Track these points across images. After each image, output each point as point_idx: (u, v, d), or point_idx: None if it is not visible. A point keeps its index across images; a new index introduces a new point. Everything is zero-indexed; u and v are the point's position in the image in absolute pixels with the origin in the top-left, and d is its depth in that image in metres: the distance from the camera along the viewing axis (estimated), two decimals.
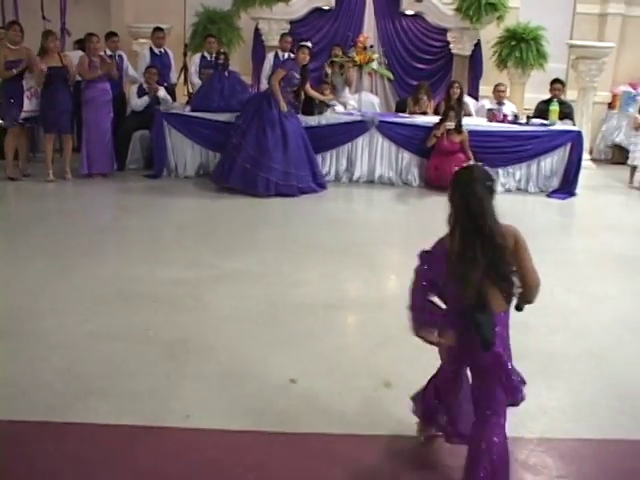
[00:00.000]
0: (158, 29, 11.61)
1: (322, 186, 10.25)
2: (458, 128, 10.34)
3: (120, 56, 11.43)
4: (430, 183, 10.63)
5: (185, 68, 12.37)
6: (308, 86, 10.49)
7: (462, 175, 3.47)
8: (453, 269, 3.39)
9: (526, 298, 3.55)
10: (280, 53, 12.06)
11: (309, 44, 10.77)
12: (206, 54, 11.65)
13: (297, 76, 10.17)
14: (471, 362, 3.56)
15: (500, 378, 3.45)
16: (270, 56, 12.15)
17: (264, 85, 11.88)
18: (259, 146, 9.82)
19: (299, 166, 10.01)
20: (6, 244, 7.66)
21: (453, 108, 10.59)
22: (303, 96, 11.20)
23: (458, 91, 11.45)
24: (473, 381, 3.60)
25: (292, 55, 11.60)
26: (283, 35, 12.27)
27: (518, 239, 3.43)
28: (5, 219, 8.71)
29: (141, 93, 11.05)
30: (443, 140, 10.35)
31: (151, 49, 11.57)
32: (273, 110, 9.99)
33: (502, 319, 3.49)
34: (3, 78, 10.03)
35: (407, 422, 4.15)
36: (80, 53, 10.78)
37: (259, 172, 9.70)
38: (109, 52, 11.16)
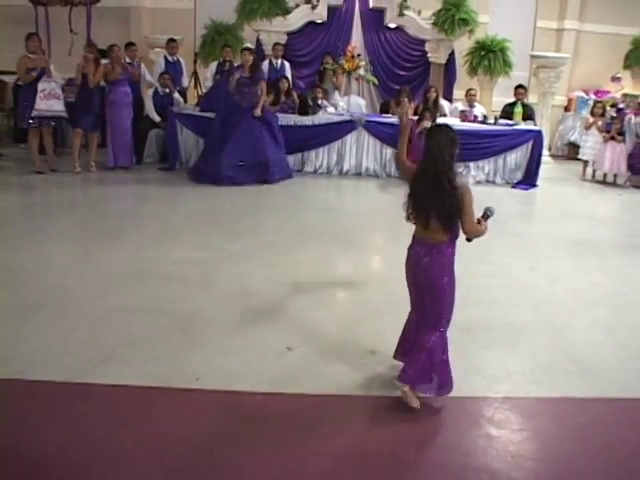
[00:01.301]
0: (172, 40, 11.59)
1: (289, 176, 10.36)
2: None
3: (139, 63, 11.41)
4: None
5: (195, 74, 12.36)
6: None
7: (432, 128, 4.00)
8: (412, 193, 3.94)
9: (467, 237, 3.93)
10: (273, 60, 12.06)
11: (250, 46, 10.99)
12: (222, 61, 11.58)
13: (245, 76, 10.07)
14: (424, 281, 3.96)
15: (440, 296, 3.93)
16: (264, 64, 12.13)
17: None
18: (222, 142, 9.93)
19: (260, 157, 10.00)
20: (38, 229, 7.65)
21: (429, 109, 10.63)
22: (297, 99, 11.23)
23: (434, 94, 11.52)
24: (426, 300, 3.99)
25: (285, 61, 11.92)
26: (275, 44, 12.29)
27: (466, 195, 3.76)
28: (37, 207, 8.69)
29: (157, 98, 11.00)
30: (416, 139, 10.35)
31: (165, 57, 11.55)
32: (237, 111, 10.04)
33: (441, 248, 3.88)
34: (24, 81, 10.02)
35: (390, 385, 4.17)
36: (103, 61, 10.77)
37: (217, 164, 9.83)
38: (128, 60, 11.16)
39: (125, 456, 3.39)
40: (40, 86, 9.83)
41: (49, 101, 9.95)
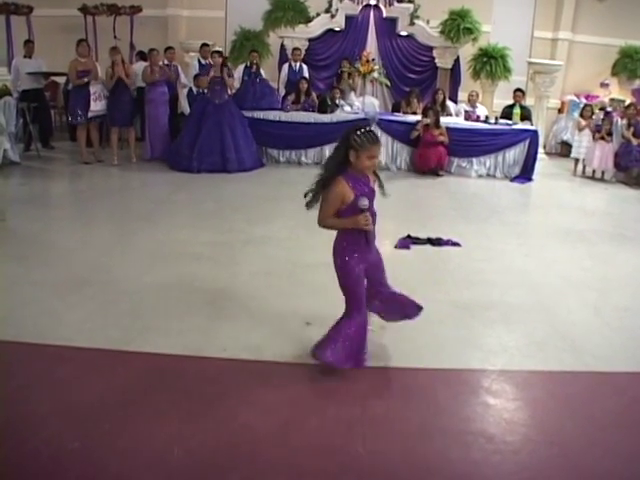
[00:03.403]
0: (205, 44, 11.57)
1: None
2: (437, 124, 10.35)
3: (175, 66, 11.44)
4: (416, 168, 10.67)
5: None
6: (225, 75, 10.27)
7: (349, 128, 3.69)
8: None
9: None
10: (293, 63, 12.04)
11: (220, 49, 11.10)
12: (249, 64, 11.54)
13: (217, 75, 10.08)
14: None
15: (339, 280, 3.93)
16: (285, 66, 12.19)
17: (281, 89, 11.92)
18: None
19: (233, 149, 10.02)
20: (84, 212, 7.72)
21: (432, 108, 10.62)
22: (316, 99, 11.20)
23: (442, 96, 11.52)
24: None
25: (304, 64, 12.02)
26: (294, 49, 12.31)
27: (326, 191, 3.71)
28: (83, 193, 8.75)
29: (191, 97, 10.99)
30: (426, 134, 10.35)
31: (199, 60, 11.53)
32: (209, 105, 10.07)
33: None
34: (75, 85, 10.08)
35: (398, 357, 4.20)
36: (143, 64, 10.82)
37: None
38: (167, 62, 11.21)
39: (161, 414, 3.41)
40: (92, 89, 9.94)
41: (101, 102, 10.07)
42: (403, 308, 4.21)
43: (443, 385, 3.91)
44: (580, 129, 11.49)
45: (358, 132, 3.59)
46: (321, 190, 3.72)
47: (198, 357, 4.08)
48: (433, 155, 10.38)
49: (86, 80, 9.92)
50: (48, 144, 11.52)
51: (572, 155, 11.59)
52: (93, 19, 13.16)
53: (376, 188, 3.93)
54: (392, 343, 4.39)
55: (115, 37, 12.84)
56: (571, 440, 3.40)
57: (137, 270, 5.61)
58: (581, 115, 11.80)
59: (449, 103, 11.95)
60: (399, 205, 8.71)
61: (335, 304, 4.90)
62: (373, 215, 3.81)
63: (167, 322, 4.57)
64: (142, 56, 11.58)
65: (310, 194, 3.75)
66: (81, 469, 2.99)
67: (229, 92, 10.23)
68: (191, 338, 4.33)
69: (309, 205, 3.76)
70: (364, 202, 3.65)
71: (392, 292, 4.18)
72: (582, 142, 11.32)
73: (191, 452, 3.11)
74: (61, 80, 12.14)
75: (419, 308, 4.21)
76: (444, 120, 10.75)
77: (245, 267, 5.80)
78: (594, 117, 11.67)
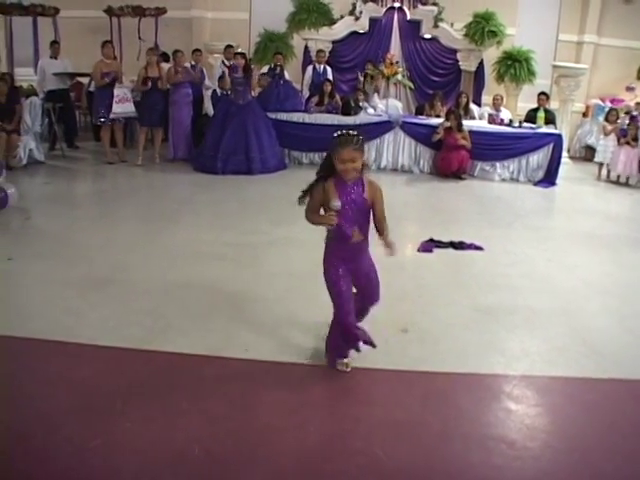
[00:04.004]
0: (229, 46, 11.61)
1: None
2: (459, 128, 10.31)
3: (200, 68, 11.51)
4: (438, 171, 10.63)
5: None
6: (254, 81, 10.39)
7: (339, 134, 3.60)
8: None
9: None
10: (317, 65, 12.06)
11: (242, 50, 11.05)
12: (273, 66, 11.57)
13: (239, 76, 10.06)
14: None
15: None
16: (309, 68, 12.20)
17: (305, 91, 11.94)
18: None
19: (257, 149, 10.02)
20: (107, 211, 7.77)
21: (453, 112, 10.59)
22: (340, 101, 11.20)
23: (465, 99, 11.50)
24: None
25: (328, 66, 12.03)
26: (318, 51, 12.34)
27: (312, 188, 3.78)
28: (107, 192, 8.83)
29: (215, 98, 11.04)
30: (448, 137, 10.32)
31: (223, 62, 11.58)
32: (233, 106, 10.08)
33: None
34: (99, 86, 10.20)
35: (420, 361, 4.18)
36: (166, 65, 10.91)
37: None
38: (193, 63, 11.30)
39: (181, 414, 3.42)
40: (115, 92, 10.05)
41: (123, 104, 10.18)
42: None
43: (464, 390, 3.89)
44: (606, 134, 11.39)
45: (335, 135, 3.59)
46: (311, 187, 3.80)
47: (219, 357, 4.09)
48: (455, 159, 10.34)
49: (107, 81, 10.01)
50: (73, 144, 11.64)
51: (597, 159, 11.50)
52: (118, 20, 13.27)
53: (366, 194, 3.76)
54: (414, 346, 4.38)
55: (140, 38, 12.96)
56: (592, 447, 3.36)
57: (159, 270, 5.64)
58: (606, 119, 11.71)
59: (473, 106, 11.91)
60: (422, 208, 8.70)
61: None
62: (361, 226, 3.77)
63: (189, 322, 4.59)
64: (165, 58, 11.66)
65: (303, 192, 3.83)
66: (101, 467, 3.01)
67: (252, 93, 10.26)
68: (212, 338, 4.34)
69: (300, 201, 3.84)
70: (336, 203, 3.64)
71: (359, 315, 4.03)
72: (608, 146, 11.23)
73: (211, 452, 3.12)
74: (87, 81, 12.26)
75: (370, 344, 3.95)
76: (467, 123, 10.71)
77: (267, 268, 5.81)
78: (619, 121, 11.57)
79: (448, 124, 10.36)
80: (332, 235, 3.79)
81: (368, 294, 4.01)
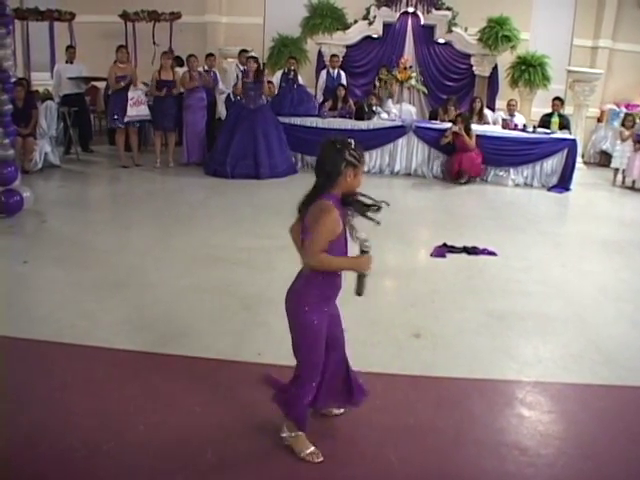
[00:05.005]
0: (243, 50, 11.65)
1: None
2: (466, 131, 10.27)
3: (214, 73, 11.55)
4: (450, 175, 10.58)
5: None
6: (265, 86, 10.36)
7: (324, 142, 3.12)
8: None
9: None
10: (331, 70, 12.08)
11: (255, 55, 10.89)
12: (287, 71, 11.58)
13: (251, 81, 10.07)
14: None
15: None
16: (323, 73, 12.24)
17: (319, 95, 11.96)
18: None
19: (267, 154, 9.99)
20: (122, 215, 7.83)
21: (460, 115, 10.59)
22: (354, 106, 11.20)
23: (479, 104, 11.45)
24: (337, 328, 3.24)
25: (342, 71, 12.05)
26: (332, 56, 12.35)
27: (318, 218, 3.01)
28: (121, 196, 8.87)
29: (229, 103, 11.07)
30: (457, 141, 10.29)
31: (237, 66, 11.61)
32: (244, 111, 10.08)
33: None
34: (113, 89, 10.27)
35: (433, 366, 4.18)
36: (179, 70, 10.94)
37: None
38: (207, 67, 11.34)
39: (194, 418, 3.45)
40: (130, 95, 10.10)
41: (138, 107, 10.23)
42: (351, 393, 3.35)
43: (477, 395, 3.88)
44: (624, 139, 11.31)
45: (352, 145, 2.98)
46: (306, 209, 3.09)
47: (233, 361, 4.11)
48: (457, 160, 10.29)
49: (123, 84, 10.08)
50: (87, 148, 11.71)
51: (613, 165, 11.41)
52: (133, 25, 13.34)
53: None
54: (426, 352, 4.38)
55: (154, 43, 13.01)
56: (606, 454, 3.35)
57: (173, 273, 5.67)
58: (623, 124, 11.62)
59: (487, 111, 11.87)
60: (435, 213, 8.69)
61: (371, 312, 4.93)
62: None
63: (202, 326, 4.61)
64: (179, 62, 11.71)
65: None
66: (115, 469, 3.03)
67: (265, 98, 10.28)
68: (226, 342, 4.36)
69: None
70: (364, 237, 3.01)
71: (347, 367, 3.34)
72: (625, 152, 11.12)
73: (224, 457, 3.13)
74: (101, 85, 12.35)
75: (365, 394, 3.39)
76: (481, 128, 10.70)
77: (281, 273, 5.78)
78: (635, 126, 11.49)
79: (456, 128, 10.34)
80: (328, 278, 3.12)
81: (341, 343, 3.31)
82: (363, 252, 2.98)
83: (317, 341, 3.10)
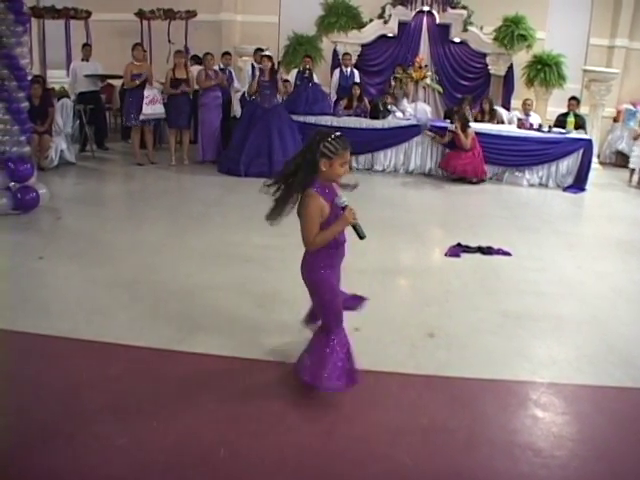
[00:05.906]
0: (259, 49, 11.68)
1: None
2: (464, 129, 10.23)
3: (230, 71, 11.58)
4: (446, 173, 10.65)
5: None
6: (280, 85, 10.35)
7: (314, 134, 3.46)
8: None
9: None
10: (344, 69, 12.08)
11: (269, 53, 10.81)
12: (302, 69, 11.58)
13: (265, 79, 10.09)
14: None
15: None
16: (336, 71, 12.27)
17: (333, 94, 11.96)
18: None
19: (281, 153, 9.91)
20: (136, 212, 7.87)
21: (457, 113, 10.59)
22: (369, 105, 11.20)
23: (488, 105, 11.57)
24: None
25: (355, 70, 12.05)
26: (344, 54, 12.37)
27: (303, 209, 3.61)
28: (136, 193, 8.92)
29: (244, 101, 11.09)
30: (456, 140, 10.27)
31: (252, 65, 11.64)
32: (258, 109, 10.09)
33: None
34: (129, 87, 10.33)
35: (446, 366, 4.16)
36: (197, 67, 10.98)
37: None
38: (222, 66, 11.37)
39: (208, 415, 3.45)
40: (145, 93, 10.14)
41: (154, 105, 10.26)
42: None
43: (491, 396, 3.87)
44: (635, 138, 11.25)
45: (329, 138, 3.33)
46: (285, 202, 3.67)
47: (247, 359, 4.11)
48: (461, 160, 10.26)
49: (138, 82, 10.11)
50: (103, 145, 11.77)
51: (630, 165, 11.34)
52: (149, 24, 13.40)
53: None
54: (440, 351, 4.37)
55: (170, 41, 13.06)
56: (619, 457, 3.33)
57: (188, 271, 5.69)
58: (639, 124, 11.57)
59: (502, 111, 11.86)
60: (449, 212, 8.68)
61: (385, 311, 4.92)
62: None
63: (216, 323, 4.62)
64: (197, 60, 11.76)
65: (274, 207, 3.72)
66: (128, 464, 3.04)
67: (279, 97, 10.28)
68: (240, 340, 4.37)
69: (270, 217, 3.77)
70: (342, 200, 3.41)
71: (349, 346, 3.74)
72: (636, 151, 11.09)
73: (237, 454, 3.13)
74: (117, 83, 12.41)
75: (362, 299, 4.13)
76: (496, 128, 10.71)
77: (295, 271, 5.79)
78: None
79: (452, 127, 10.34)
80: (323, 247, 3.59)
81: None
82: (343, 209, 3.40)
83: (334, 291, 3.65)
